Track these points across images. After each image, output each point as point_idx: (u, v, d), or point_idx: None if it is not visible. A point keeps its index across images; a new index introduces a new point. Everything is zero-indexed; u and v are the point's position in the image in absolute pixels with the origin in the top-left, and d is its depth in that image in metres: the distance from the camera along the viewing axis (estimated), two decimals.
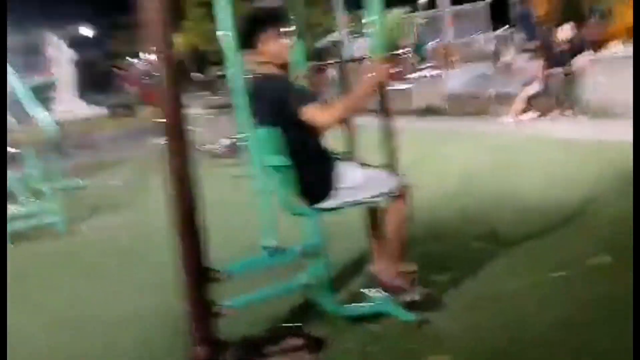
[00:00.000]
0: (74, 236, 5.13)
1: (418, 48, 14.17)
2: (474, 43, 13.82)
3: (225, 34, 2.17)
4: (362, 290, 2.72)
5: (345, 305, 2.63)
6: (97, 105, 18.84)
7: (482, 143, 6.67)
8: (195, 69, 24.34)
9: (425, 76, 10.79)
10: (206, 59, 24.50)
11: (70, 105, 16.99)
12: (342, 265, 3.24)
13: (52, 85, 15.41)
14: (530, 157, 5.55)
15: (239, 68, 2.23)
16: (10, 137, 5.06)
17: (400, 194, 2.52)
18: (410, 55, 12.62)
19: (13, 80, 5.60)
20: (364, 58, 15.01)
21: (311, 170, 2.43)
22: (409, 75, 11.19)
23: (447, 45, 12.57)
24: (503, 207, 4.10)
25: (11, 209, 5.52)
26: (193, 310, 2.16)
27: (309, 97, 2.35)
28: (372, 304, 2.62)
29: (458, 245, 3.49)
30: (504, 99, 8.19)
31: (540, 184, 4.53)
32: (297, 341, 2.38)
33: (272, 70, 2.42)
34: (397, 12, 13.91)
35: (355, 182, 2.47)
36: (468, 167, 5.49)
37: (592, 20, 9.21)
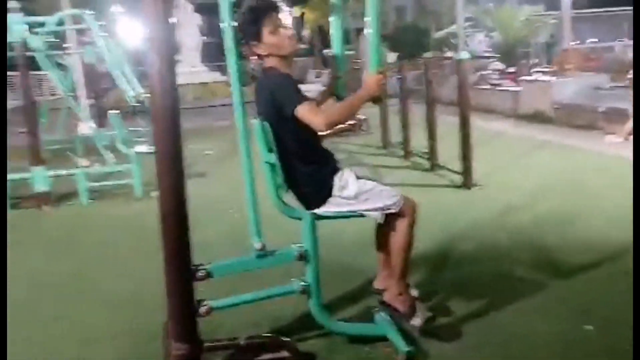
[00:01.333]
0: (149, 201, 5.16)
1: (548, 48, 13.29)
2: (610, 50, 12.64)
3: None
4: (372, 307, 2.57)
5: (340, 321, 2.48)
6: (219, 70, 19.72)
7: (574, 160, 6.01)
8: (320, 45, 24.56)
9: (536, 80, 9.99)
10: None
11: (191, 68, 17.77)
12: (354, 277, 3.08)
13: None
14: (620, 185, 4.60)
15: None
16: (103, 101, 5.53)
17: (401, 212, 2.32)
18: (530, 55, 11.83)
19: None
20: (482, 56, 14.25)
21: (308, 173, 2.31)
22: (524, 77, 10.45)
23: (569, 50, 11.57)
24: (564, 235, 3.63)
25: (96, 167, 6.04)
26: (174, 306, 2.10)
27: (303, 96, 2.23)
28: (369, 324, 2.46)
29: (497, 270, 3.19)
30: (617, 116, 7.28)
31: (617, 218, 3.81)
32: (283, 354, 2.28)
33: (275, 63, 2.31)
34: (527, 9, 13.01)
35: (352, 192, 2.31)
36: (545, 184, 5.00)
37: None
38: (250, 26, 2.25)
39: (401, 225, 2.33)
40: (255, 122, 2.24)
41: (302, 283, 2.29)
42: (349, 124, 8.12)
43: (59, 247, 4.28)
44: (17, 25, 5.30)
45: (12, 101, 11.54)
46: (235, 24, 2.19)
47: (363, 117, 9.17)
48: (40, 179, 5.44)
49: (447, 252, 3.56)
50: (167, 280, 2.10)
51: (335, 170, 2.37)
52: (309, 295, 2.30)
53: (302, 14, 20.51)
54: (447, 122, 5.90)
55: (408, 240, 2.36)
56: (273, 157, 2.24)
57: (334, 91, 2.59)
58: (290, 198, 2.39)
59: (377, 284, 2.56)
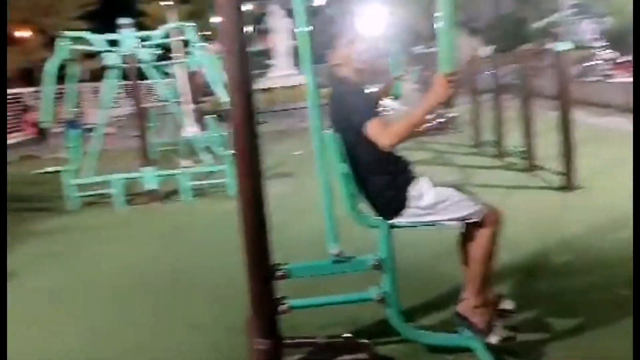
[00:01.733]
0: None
1: None
2: None
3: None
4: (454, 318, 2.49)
5: (421, 330, 2.45)
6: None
7: None
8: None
9: None
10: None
11: (284, 72, 18.48)
12: (439, 285, 3.01)
13: (267, 52, 17.11)
14: None
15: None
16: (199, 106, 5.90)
17: (482, 221, 2.22)
18: None
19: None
20: (590, 46, 13.06)
21: (382, 183, 2.28)
22: None
23: None
24: None
25: (196, 167, 6.46)
26: (255, 303, 2.19)
27: (373, 112, 2.21)
28: (453, 334, 2.39)
29: (596, 285, 2.92)
30: None
31: None
32: (361, 356, 2.32)
33: (346, 73, 2.32)
34: None
35: (429, 202, 2.25)
36: None
37: None
38: (325, 34, 2.29)
39: (482, 235, 2.23)
40: (328, 133, 2.26)
41: (380, 291, 2.29)
42: (438, 122, 7.90)
43: (164, 240, 4.65)
44: (129, 40, 5.82)
45: (128, 108, 12.63)
46: (311, 28, 2.19)
47: (453, 114, 8.91)
48: (149, 178, 5.95)
49: (542, 261, 3.35)
50: (248, 278, 2.21)
51: (410, 179, 2.32)
52: (387, 304, 2.29)
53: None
54: (549, 119, 5.55)
55: (488, 252, 2.24)
56: (346, 168, 2.26)
57: (389, 92, 2.56)
58: (365, 206, 2.39)
59: (463, 294, 2.47)
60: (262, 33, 19.13)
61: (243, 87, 2.12)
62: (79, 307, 3.39)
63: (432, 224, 2.31)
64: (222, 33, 2.11)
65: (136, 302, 3.37)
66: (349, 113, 2.23)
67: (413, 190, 2.28)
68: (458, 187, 2.37)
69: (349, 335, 2.36)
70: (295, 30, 2.22)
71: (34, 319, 3.24)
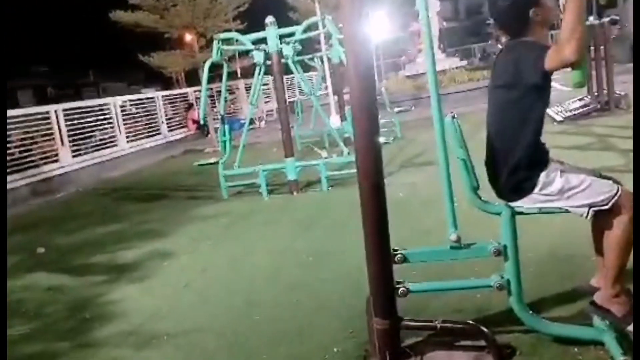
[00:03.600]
0: None
1: None
2: None
3: None
4: (587, 308, 2.41)
5: (549, 320, 2.39)
6: (458, 55, 19.63)
7: None
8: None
9: None
10: None
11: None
12: (569, 274, 2.89)
13: (406, 39, 16.97)
14: None
15: None
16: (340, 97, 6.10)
17: (615, 207, 2.10)
18: None
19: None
20: None
21: (521, 162, 2.23)
22: None
23: None
24: None
25: (334, 157, 6.78)
26: (375, 285, 2.36)
27: (545, 46, 2.11)
28: (581, 326, 2.31)
29: None
30: None
31: None
32: (480, 342, 2.35)
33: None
34: None
35: (556, 188, 2.18)
36: None
37: None
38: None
39: (618, 221, 2.13)
40: (447, 119, 2.32)
41: (500, 279, 2.29)
42: (601, 102, 7.11)
43: (302, 226, 5.04)
44: (272, 37, 6.33)
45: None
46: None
47: (621, 93, 8.04)
48: (291, 168, 6.43)
49: None
50: (368, 261, 2.37)
51: (546, 163, 2.27)
52: (509, 292, 2.29)
53: None
54: None
55: (626, 238, 2.13)
56: (464, 153, 2.29)
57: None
58: (486, 193, 2.39)
59: (594, 282, 2.38)
60: (414, 16, 19.00)
61: (363, 78, 2.25)
62: (223, 281, 3.92)
63: (558, 209, 2.23)
64: (344, 22, 2.27)
65: (272, 280, 3.77)
66: (527, 61, 2.14)
67: (544, 176, 2.24)
68: (593, 173, 2.27)
69: (467, 321, 2.39)
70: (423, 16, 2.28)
71: (184, 290, 3.83)
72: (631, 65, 9.63)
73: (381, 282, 2.40)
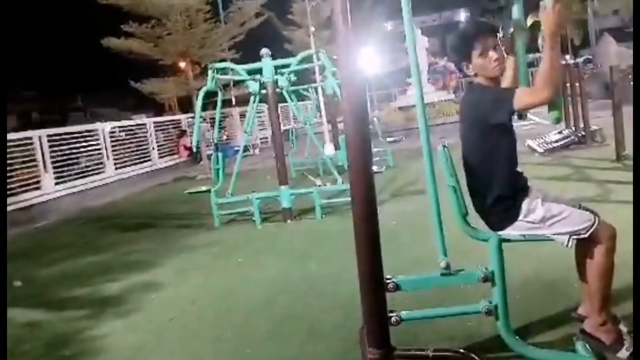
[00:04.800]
0: None
1: None
2: None
3: None
4: (574, 334, 2.53)
5: (534, 346, 2.50)
6: (445, 89, 20.33)
7: None
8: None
9: None
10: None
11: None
12: (555, 301, 3.03)
13: (404, 70, 17.51)
14: None
15: None
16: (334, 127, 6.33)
17: (595, 237, 2.26)
18: None
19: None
20: None
21: (500, 193, 2.40)
22: None
23: None
24: None
25: (328, 186, 6.92)
26: (368, 314, 2.43)
27: (513, 88, 2.36)
28: (568, 352, 2.42)
29: None
30: None
31: None
32: None
33: (482, 82, 2.46)
34: None
35: (539, 216, 2.34)
36: None
37: None
38: (460, 47, 2.48)
39: (597, 251, 2.28)
40: (439, 148, 2.48)
41: (488, 304, 2.40)
42: (580, 135, 7.61)
43: (296, 255, 5.13)
44: (268, 68, 6.55)
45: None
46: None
47: (596, 127, 8.58)
48: (285, 196, 6.55)
49: None
50: (361, 290, 2.47)
51: (526, 192, 2.43)
52: (496, 317, 2.40)
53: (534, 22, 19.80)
54: None
55: (606, 268, 2.28)
56: (454, 181, 2.44)
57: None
58: (474, 220, 2.53)
59: (581, 310, 2.50)
60: (404, 51, 19.67)
61: (356, 108, 2.39)
62: (213, 313, 3.94)
63: (541, 237, 2.38)
64: (338, 55, 2.42)
65: (265, 310, 3.83)
66: (485, 109, 2.36)
67: (526, 205, 2.39)
68: (572, 203, 2.44)
69: (459, 350, 2.49)
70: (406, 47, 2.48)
71: (171, 325, 3.83)
72: (604, 101, 10.41)
73: (374, 311, 2.48)
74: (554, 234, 2.35)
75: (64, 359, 3.45)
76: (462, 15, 40.54)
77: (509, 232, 2.42)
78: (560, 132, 9.31)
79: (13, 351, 3.67)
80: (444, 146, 2.50)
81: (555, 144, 8.80)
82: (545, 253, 3.72)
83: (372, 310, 2.48)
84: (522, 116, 2.60)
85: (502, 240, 2.41)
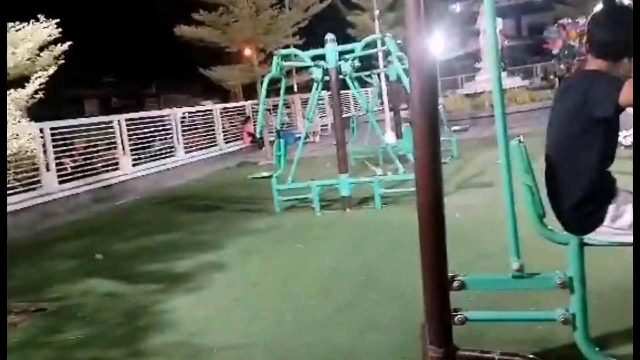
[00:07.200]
0: None
1: None
2: None
3: None
4: None
5: (617, 357, 2.25)
6: (520, 75, 19.26)
7: None
8: None
9: None
10: None
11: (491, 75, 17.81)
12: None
13: (477, 55, 16.78)
14: None
15: None
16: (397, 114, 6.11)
17: None
18: None
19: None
20: None
21: (586, 195, 2.15)
22: None
23: None
24: None
25: (389, 175, 6.72)
26: (431, 311, 2.31)
27: (621, 79, 2.03)
28: None
29: None
30: None
31: None
32: None
33: (599, 68, 2.18)
34: None
35: (627, 222, 2.08)
36: None
37: None
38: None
39: None
40: (513, 143, 2.25)
41: (565, 312, 2.19)
42: None
43: (354, 244, 5.02)
44: (331, 54, 6.39)
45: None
46: (499, 29, 2.24)
47: None
48: (344, 185, 6.42)
49: None
50: (425, 286, 2.30)
51: (613, 195, 2.18)
52: (574, 327, 2.18)
53: None
54: None
55: None
56: (530, 179, 2.21)
57: None
58: (552, 221, 2.31)
59: None
60: (474, 34, 18.80)
61: (426, 96, 2.21)
62: (274, 296, 3.93)
63: (630, 245, 2.11)
64: (408, 41, 2.24)
65: (323, 297, 3.75)
66: (597, 93, 2.08)
67: (614, 209, 2.14)
68: None
69: (528, 355, 2.28)
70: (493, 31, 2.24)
71: (235, 304, 3.87)
72: None
73: (437, 309, 2.33)
74: None
75: (139, 329, 3.59)
76: None
77: (592, 236, 2.18)
78: None
79: (94, 317, 3.91)
80: (520, 140, 2.27)
81: None
82: (626, 256, 3.38)
83: (435, 307, 2.32)
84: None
85: (584, 244, 2.17)
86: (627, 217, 2.10)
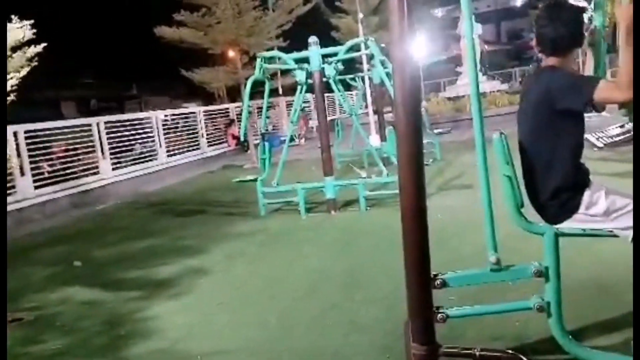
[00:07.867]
0: None
1: None
2: None
3: None
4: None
5: (590, 348, 2.38)
6: (499, 78, 19.61)
7: None
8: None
9: None
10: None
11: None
12: (614, 302, 2.89)
13: (459, 59, 17.04)
14: None
15: None
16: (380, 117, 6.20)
17: None
18: None
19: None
20: None
21: (560, 184, 2.28)
22: None
23: None
24: None
25: (373, 178, 6.83)
26: (414, 310, 2.38)
27: (597, 77, 2.23)
28: (624, 356, 2.28)
29: None
30: None
31: None
32: None
33: (555, 62, 2.35)
34: None
35: (602, 209, 2.21)
36: None
37: None
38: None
39: None
40: (495, 135, 2.37)
41: (540, 300, 2.30)
42: None
43: (340, 246, 5.11)
44: (315, 57, 6.49)
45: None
46: (478, 34, 2.38)
47: None
48: (328, 188, 6.52)
49: None
50: (407, 285, 2.41)
51: (587, 184, 2.32)
52: (548, 314, 2.30)
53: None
54: None
55: None
56: (510, 170, 2.32)
57: None
58: (528, 212, 2.42)
59: None
60: (455, 39, 19.10)
61: (408, 99, 2.30)
62: (259, 299, 3.99)
63: (603, 232, 2.25)
64: (391, 45, 2.33)
65: (308, 300, 3.83)
66: (561, 87, 2.23)
67: (588, 197, 2.27)
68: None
69: (508, 351, 2.40)
70: (473, 35, 2.35)
71: (220, 308, 3.91)
72: None
73: (420, 307, 2.42)
74: (617, 228, 2.22)
75: (120, 338, 3.57)
76: (519, 1, 38.97)
77: (568, 225, 2.31)
78: (621, 126, 8.78)
79: (74, 326, 3.86)
80: (501, 133, 2.38)
81: (616, 139, 8.34)
82: (603, 252, 3.57)
83: (418, 306, 2.42)
84: (598, 109, 2.43)
85: (559, 235, 2.29)
86: (601, 203, 2.23)
